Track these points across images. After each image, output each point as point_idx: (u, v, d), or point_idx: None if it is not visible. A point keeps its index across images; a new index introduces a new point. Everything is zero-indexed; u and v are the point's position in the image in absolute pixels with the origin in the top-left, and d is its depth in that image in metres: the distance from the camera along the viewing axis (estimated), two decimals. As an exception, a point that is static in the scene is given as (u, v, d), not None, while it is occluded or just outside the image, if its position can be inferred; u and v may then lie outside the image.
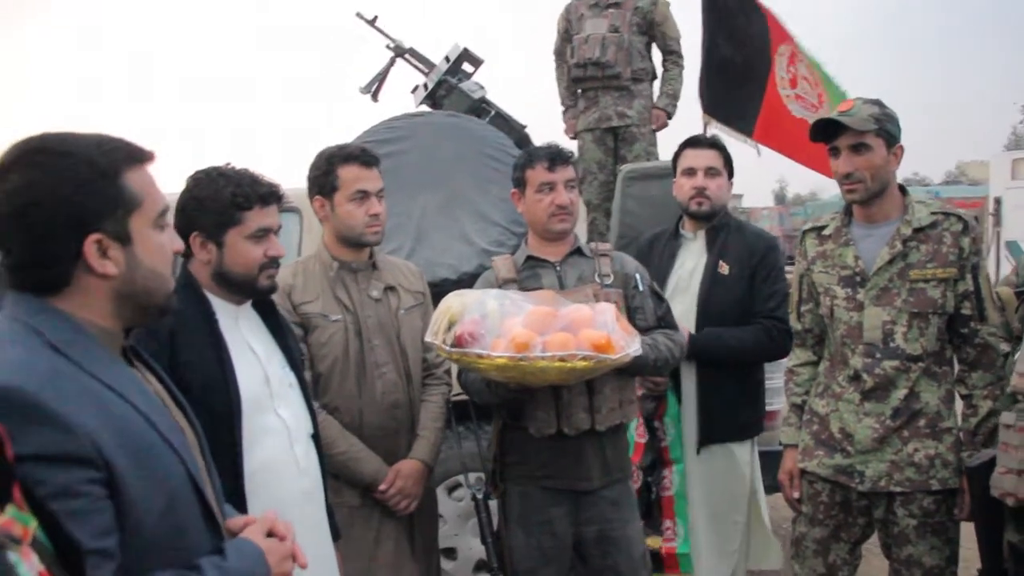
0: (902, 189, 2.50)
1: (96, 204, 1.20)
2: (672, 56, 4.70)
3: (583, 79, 4.69)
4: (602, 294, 2.49)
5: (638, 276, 2.61)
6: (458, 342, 2.11)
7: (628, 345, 2.13)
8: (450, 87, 4.40)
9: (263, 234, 2.01)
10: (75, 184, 1.18)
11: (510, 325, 2.13)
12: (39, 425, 1.09)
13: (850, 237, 2.51)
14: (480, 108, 4.41)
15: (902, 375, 2.40)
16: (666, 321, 2.63)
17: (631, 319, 2.54)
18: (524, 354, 2.05)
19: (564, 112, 4.90)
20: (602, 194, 4.67)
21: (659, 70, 4.82)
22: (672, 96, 4.72)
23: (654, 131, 4.69)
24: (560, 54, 4.87)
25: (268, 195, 2.02)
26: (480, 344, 2.09)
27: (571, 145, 4.78)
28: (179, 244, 1.37)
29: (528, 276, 2.57)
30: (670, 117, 4.73)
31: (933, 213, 2.43)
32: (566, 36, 4.81)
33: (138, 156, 1.27)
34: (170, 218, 1.34)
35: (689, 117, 4.48)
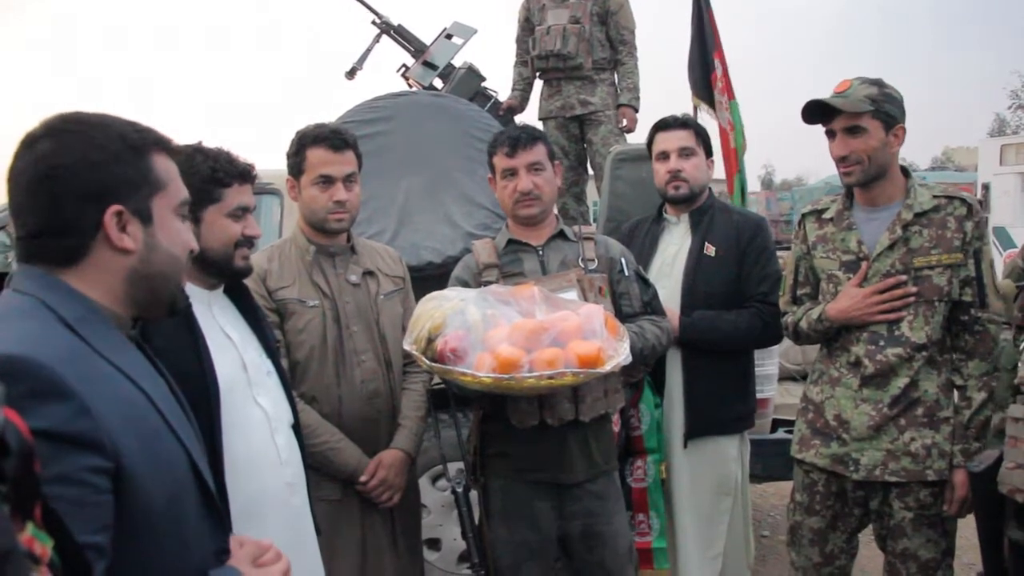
0: (904, 171, 2.44)
1: (123, 176, 1.19)
2: (625, 47, 4.62)
3: (546, 70, 4.67)
4: (586, 279, 2.43)
5: (623, 260, 2.55)
6: (440, 358, 2.06)
7: (617, 353, 2.10)
8: (461, 67, 4.38)
9: (241, 213, 1.98)
10: (106, 153, 1.18)
11: (495, 338, 2.07)
12: (53, 401, 1.04)
13: (852, 221, 2.46)
14: (483, 92, 4.36)
15: (904, 364, 2.36)
16: (652, 307, 2.57)
17: (616, 305, 2.49)
18: (511, 375, 2.00)
19: (511, 91, 4.85)
20: (569, 179, 4.65)
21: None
22: (632, 89, 4.63)
23: (624, 131, 4.62)
24: (520, 43, 4.83)
25: (246, 173, 1.99)
26: (464, 361, 2.04)
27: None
28: (194, 243, 1.34)
29: (510, 261, 2.51)
30: (637, 111, 4.64)
31: (935, 196, 2.38)
32: (526, 26, 4.78)
33: (166, 144, 1.28)
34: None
35: (679, 102, 4.39)
